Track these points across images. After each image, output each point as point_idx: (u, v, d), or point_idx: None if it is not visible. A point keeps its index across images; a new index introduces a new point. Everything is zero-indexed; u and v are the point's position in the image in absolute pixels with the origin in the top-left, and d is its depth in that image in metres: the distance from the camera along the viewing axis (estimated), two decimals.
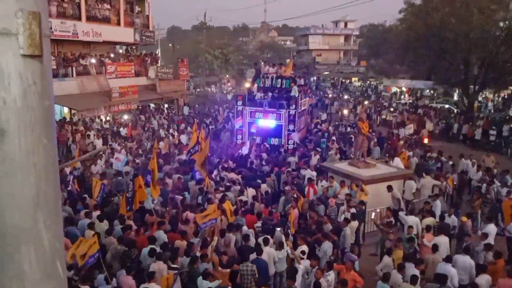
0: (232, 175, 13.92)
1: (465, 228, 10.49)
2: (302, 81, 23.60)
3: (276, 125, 20.17)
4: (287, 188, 12.95)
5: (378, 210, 12.26)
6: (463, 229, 10.47)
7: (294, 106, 19.98)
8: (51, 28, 20.83)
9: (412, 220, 10.74)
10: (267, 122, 20.21)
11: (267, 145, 19.17)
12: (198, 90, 50.09)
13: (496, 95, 35.27)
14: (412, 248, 9.46)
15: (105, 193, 11.96)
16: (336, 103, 39.40)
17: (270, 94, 20.85)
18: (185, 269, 8.33)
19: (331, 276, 8.22)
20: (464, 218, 10.83)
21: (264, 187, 13.18)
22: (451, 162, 16.58)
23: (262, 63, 24.77)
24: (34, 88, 1.27)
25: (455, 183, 14.22)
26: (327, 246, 9.28)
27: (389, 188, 12.13)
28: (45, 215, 1.33)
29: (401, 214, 11.43)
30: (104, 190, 11.79)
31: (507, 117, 27.93)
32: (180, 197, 11.87)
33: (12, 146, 1.25)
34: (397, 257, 9.06)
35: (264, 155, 17.24)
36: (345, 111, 30.72)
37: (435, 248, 9.13)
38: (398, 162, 15.14)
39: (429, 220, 10.69)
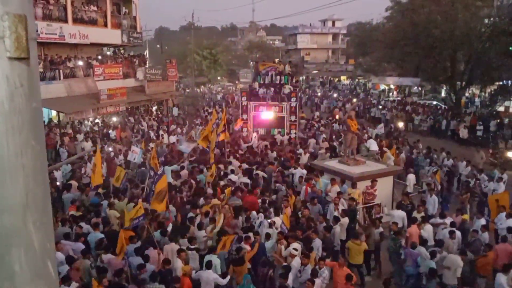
0: (237, 163, 15.30)
1: (466, 225, 10.65)
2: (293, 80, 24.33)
3: (279, 117, 21.60)
4: (277, 185, 13.05)
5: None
6: (464, 226, 10.62)
7: (294, 98, 21.56)
8: (37, 31, 20.58)
9: (399, 214, 10.90)
10: (270, 114, 21.59)
11: (275, 136, 20.89)
12: (187, 91, 49.91)
13: (482, 91, 35.71)
14: (396, 246, 9.59)
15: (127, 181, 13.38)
16: (326, 101, 39.62)
17: (272, 89, 22.42)
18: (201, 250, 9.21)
19: (325, 273, 8.28)
20: (466, 216, 11.08)
21: (259, 173, 14.08)
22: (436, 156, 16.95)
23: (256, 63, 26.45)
24: (21, 91, 1.28)
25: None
26: (318, 243, 9.35)
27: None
28: (35, 216, 1.33)
29: (386, 209, 11.64)
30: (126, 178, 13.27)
31: (494, 113, 28.29)
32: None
33: (0, 148, 1.25)
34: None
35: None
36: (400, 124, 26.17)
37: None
38: (371, 143, 15.42)
39: (420, 214, 10.90)
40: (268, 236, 9.57)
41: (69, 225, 9.74)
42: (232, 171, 14.08)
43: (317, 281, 7.85)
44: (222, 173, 14.09)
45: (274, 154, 17.13)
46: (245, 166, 14.93)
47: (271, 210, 11.02)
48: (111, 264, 8.17)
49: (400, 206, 11.60)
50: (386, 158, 15.65)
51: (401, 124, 25.25)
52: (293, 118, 21.57)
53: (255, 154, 17.40)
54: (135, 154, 15.88)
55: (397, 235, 9.77)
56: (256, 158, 16.57)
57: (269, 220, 10.27)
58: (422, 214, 10.98)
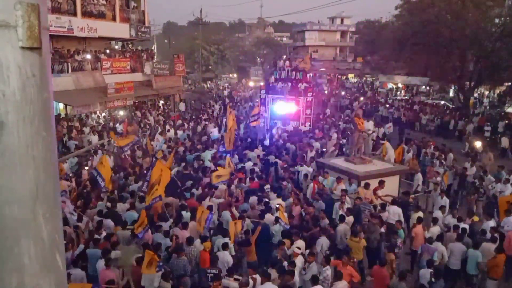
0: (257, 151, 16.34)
1: (476, 227, 10.58)
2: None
3: (295, 110, 22.49)
4: (284, 183, 13.03)
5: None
6: (473, 228, 10.54)
7: (310, 93, 22.73)
8: None
9: (394, 210, 10.85)
10: (287, 108, 22.42)
11: (289, 128, 21.61)
12: (194, 86, 49.95)
13: (491, 91, 35.40)
14: (394, 241, 9.56)
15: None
16: (333, 99, 39.49)
17: (289, 83, 23.32)
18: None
19: (329, 271, 8.25)
20: (476, 218, 11.02)
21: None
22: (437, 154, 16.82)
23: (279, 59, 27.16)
24: (33, 81, 1.27)
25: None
26: (323, 241, 9.32)
27: None
28: (44, 208, 1.33)
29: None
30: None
31: (503, 114, 28.03)
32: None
33: (11, 138, 1.25)
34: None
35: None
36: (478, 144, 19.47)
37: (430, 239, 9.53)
38: (368, 125, 15.41)
39: (419, 214, 10.85)
40: (276, 219, 9.99)
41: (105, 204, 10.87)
42: (249, 159, 15.02)
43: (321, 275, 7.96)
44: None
45: (290, 146, 17.83)
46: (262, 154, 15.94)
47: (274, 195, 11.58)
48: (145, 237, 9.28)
49: (395, 202, 11.55)
50: (384, 148, 15.60)
51: (478, 144, 19.50)
52: (308, 111, 22.59)
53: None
54: (157, 142, 17.74)
55: (393, 235, 9.73)
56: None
57: (277, 205, 10.59)
58: (419, 214, 10.90)
